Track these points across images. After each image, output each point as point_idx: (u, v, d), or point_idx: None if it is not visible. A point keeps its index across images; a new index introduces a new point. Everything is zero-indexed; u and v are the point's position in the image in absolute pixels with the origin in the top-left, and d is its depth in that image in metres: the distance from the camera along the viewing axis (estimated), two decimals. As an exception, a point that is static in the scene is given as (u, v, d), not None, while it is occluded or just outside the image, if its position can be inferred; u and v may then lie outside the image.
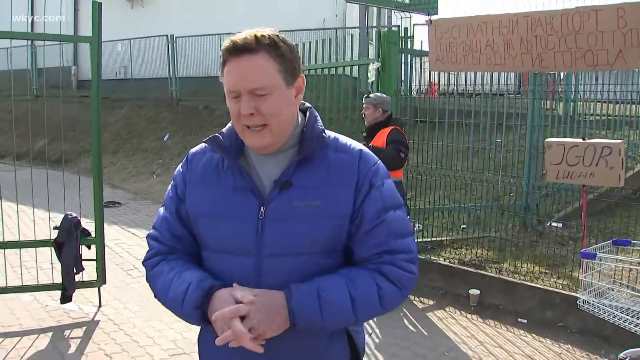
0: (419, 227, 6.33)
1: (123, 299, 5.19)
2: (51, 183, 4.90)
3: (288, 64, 1.43)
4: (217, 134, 1.54)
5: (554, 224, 6.31)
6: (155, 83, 15.33)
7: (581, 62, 4.22)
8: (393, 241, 1.48)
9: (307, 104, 1.61)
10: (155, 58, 15.75)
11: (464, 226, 6.55)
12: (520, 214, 6.57)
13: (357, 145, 1.56)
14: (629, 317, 3.24)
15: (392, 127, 4.98)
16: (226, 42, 1.41)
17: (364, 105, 5.15)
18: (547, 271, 5.28)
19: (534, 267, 5.38)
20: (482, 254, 5.83)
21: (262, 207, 1.46)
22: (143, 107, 15.09)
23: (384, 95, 5.21)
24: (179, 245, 1.59)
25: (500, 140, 6.60)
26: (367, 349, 4.22)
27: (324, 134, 1.51)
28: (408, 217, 5.53)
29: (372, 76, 5.81)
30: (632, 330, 3.20)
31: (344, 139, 1.57)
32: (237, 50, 1.39)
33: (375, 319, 4.27)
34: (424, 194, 6.30)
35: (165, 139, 13.38)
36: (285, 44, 1.43)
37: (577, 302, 3.45)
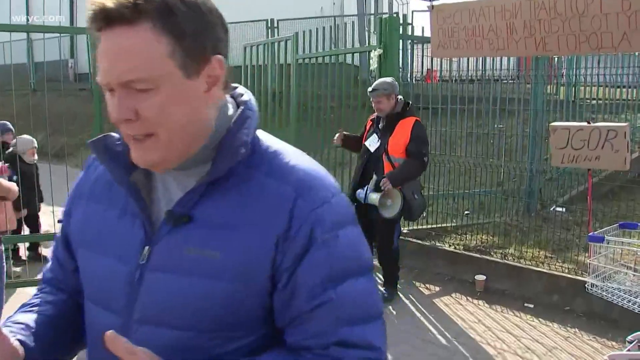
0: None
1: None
2: (52, 176, 4.89)
3: (189, 40, 0.91)
4: (111, 133, 1.05)
5: (557, 209, 6.31)
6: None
7: (585, 45, 4.18)
8: (344, 330, 0.95)
9: (246, 95, 1.06)
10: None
11: (468, 212, 6.55)
12: (524, 199, 6.57)
13: (307, 167, 1.00)
14: (637, 300, 3.25)
15: (414, 120, 4.67)
16: (90, 4, 0.90)
17: (373, 100, 4.70)
18: (552, 255, 5.29)
19: (539, 251, 5.38)
20: (486, 239, 5.83)
21: (146, 247, 0.99)
22: (142, 99, 15.07)
23: (388, 79, 4.81)
24: (60, 275, 1.17)
25: (502, 125, 6.58)
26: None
27: (242, 148, 0.97)
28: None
29: (374, 63, 5.77)
30: (641, 313, 3.21)
31: (288, 156, 1.01)
32: (106, 20, 0.89)
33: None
34: (427, 180, 6.29)
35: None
36: (188, 6, 0.91)
37: (585, 285, 3.46)
